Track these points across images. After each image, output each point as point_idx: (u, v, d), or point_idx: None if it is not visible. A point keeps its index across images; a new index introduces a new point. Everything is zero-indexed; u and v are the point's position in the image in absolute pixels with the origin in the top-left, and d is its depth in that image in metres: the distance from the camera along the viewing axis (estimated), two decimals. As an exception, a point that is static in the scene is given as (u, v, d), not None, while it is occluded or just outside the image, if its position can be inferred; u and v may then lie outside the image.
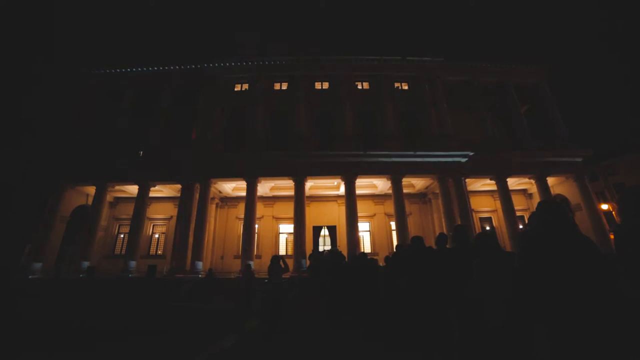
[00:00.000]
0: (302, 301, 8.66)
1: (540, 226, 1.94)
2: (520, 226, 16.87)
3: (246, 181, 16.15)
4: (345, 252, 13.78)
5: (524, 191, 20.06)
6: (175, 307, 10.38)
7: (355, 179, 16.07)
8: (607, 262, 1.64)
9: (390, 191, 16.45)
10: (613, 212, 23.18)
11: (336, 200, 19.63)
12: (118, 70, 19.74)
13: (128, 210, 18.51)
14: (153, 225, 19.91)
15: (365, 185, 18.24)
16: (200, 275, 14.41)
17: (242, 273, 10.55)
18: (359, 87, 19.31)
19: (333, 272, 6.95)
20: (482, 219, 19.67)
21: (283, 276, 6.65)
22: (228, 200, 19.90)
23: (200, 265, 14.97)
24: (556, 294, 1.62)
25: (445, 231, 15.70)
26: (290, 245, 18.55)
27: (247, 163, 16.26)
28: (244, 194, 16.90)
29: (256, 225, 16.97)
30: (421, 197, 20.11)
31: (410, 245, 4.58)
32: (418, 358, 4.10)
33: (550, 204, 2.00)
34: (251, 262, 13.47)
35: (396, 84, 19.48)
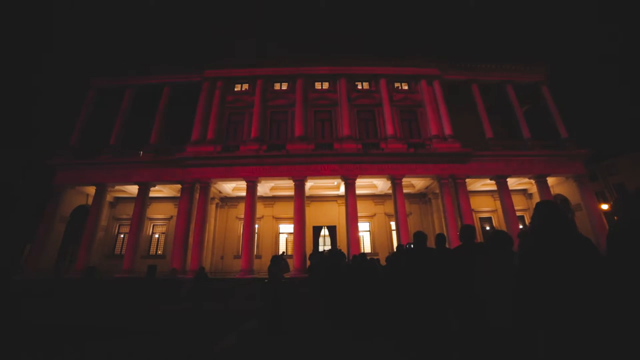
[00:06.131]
0: (302, 301, 8.65)
1: (538, 226, 1.93)
2: (520, 226, 16.86)
3: (246, 182, 16.16)
4: (345, 252, 13.76)
5: (524, 191, 20.06)
6: (175, 307, 10.38)
7: (355, 179, 16.08)
8: (606, 262, 1.63)
9: (390, 191, 16.46)
10: (613, 212, 23.17)
11: (336, 200, 19.63)
12: (118, 70, 19.73)
13: (128, 210, 18.50)
14: (153, 225, 19.91)
15: (365, 185, 18.24)
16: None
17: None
18: (359, 87, 19.32)
19: (333, 272, 6.94)
20: (482, 219, 19.67)
21: (283, 276, 6.65)
22: (228, 200, 19.91)
23: (200, 265, 14.94)
24: (554, 295, 1.62)
25: (445, 231, 15.71)
26: (290, 245, 18.55)
27: (246, 163, 16.28)
28: (244, 194, 16.89)
29: (256, 225, 16.97)
30: (421, 197, 20.11)
31: (409, 243, 4.58)
32: (418, 358, 4.10)
33: (548, 204, 2.01)
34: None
35: (396, 84, 19.49)
